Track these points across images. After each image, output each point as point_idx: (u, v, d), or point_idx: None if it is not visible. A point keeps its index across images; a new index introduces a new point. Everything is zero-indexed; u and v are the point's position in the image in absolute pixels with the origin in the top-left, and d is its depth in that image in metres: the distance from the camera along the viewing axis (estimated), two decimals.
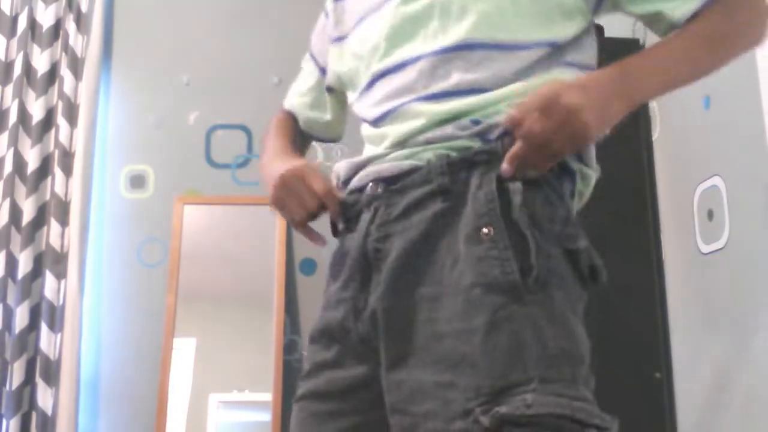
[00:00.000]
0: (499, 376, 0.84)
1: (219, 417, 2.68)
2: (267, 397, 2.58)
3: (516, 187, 0.90)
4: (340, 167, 1.08)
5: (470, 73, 0.97)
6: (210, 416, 2.67)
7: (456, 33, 0.99)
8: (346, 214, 1.03)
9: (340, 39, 1.17)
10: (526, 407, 0.81)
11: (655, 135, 2.36)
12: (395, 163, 0.97)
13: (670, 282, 2.20)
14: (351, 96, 1.14)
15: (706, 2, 0.97)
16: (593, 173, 1.00)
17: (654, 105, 2.37)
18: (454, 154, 0.94)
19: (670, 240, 2.21)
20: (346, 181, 1.05)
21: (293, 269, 2.74)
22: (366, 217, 0.98)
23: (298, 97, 1.29)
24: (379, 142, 1.03)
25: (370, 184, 0.99)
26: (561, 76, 0.98)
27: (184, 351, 2.68)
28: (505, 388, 0.83)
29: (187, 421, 2.64)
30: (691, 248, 2.08)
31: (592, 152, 1.00)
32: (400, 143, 0.99)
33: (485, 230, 0.88)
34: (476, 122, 0.95)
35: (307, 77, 1.29)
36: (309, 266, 2.74)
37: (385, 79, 1.04)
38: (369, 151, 1.05)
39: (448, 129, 0.95)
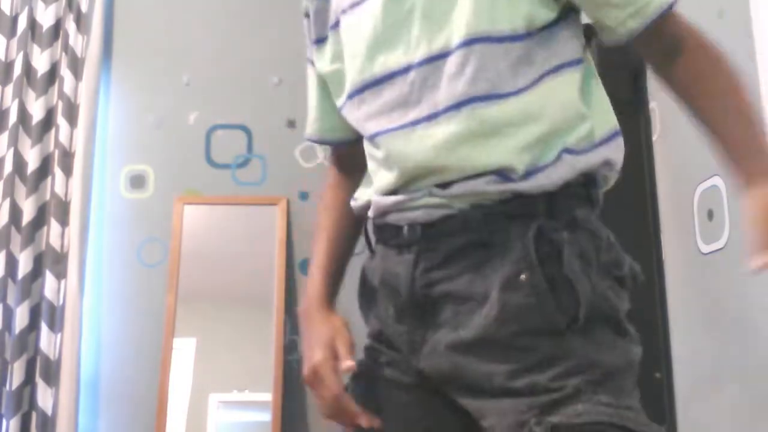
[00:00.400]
0: (552, 391, 0.87)
1: (219, 417, 2.69)
2: (267, 397, 2.58)
3: (562, 237, 0.90)
4: (363, 201, 1.05)
5: (461, 83, 0.93)
6: (210, 416, 2.67)
7: (441, 38, 0.95)
8: (384, 238, 1.03)
9: (320, 41, 1.12)
10: (577, 416, 0.85)
11: (655, 135, 2.36)
12: (427, 210, 0.96)
13: (670, 282, 2.20)
14: (338, 100, 1.10)
15: (653, 21, 0.93)
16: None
17: (654, 105, 2.37)
18: (488, 203, 0.93)
19: (670, 240, 2.21)
20: (378, 216, 1.03)
21: (293, 269, 2.74)
22: (408, 258, 0.97)
23: (314, 123, 1.18)
24: (388, 167, 0.99)
25: (406, 226, 0.98)
26: (554, 84, 0.95)
27: (184, 351, 2.68)
28: (558, 401, 0.86)
29: (187, 421, 2.64)
30: (691, 248, 2.08)
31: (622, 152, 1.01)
32: (423, 191, 0.96)
33: (522, 276, 0.89)
34: (502, 176, 0.92)
35: (312, 89, 1.19)
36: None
37: (373, 89, 1.00)
38: (381, 176, 1.01)
39: (478, 184, 0.93)
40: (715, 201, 1.99)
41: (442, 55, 0.94)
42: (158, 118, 2.85)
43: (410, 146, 0.95)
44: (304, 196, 2.77)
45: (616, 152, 0.98)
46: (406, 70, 0.96)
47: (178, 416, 2.62)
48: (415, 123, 0.95)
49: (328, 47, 1.09)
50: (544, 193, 0.92)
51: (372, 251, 1.06)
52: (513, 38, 0.93)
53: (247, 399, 2.68)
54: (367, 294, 1.07)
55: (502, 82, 0.93)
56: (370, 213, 1.03)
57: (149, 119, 2.85)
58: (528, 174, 0.91)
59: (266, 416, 2.56)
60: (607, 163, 0.97)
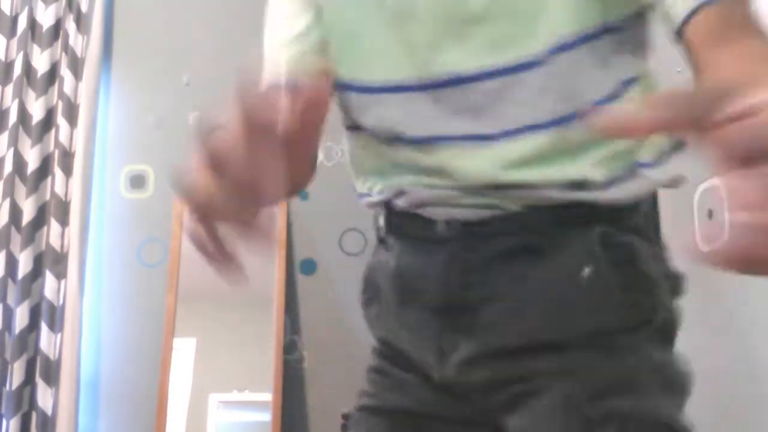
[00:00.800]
0: (613, 376, 0.79)
1: (219, 417, 2.68)
2: (267, 397, 2.58)
3: (632, 240, 0.82)
4: (389, 192, 0.89)
5: (547, 99, 0.80)
6: (210, 416, 2.67)
7: (525, 43, 0.79)
8: (407, 229, 0.89)
9: None
10: (647, 408, 0.77)
11: None
12: (475, 210, 0.84)
13: None
14: (345, 71, 0.88)
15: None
16: None
17: None
18: (545, 206, 0.82)
19: (669, 240, 2.21)
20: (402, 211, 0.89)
21: (293, 269, 2.74)
22: (442, 257, 0.85)
23: (288, 48, 0.91)
24: (436, 175, 0.85)
25: (443, 221, 0.85)
26: (631, 97, 0.83)
27: (184, 351, 2.68)
28: (619, 386, 0.78)
29: (187, 421, 2.64)
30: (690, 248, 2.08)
31: None
32: (474, 190, 0.83)
33: (586, 271, 0.80)
34: (575, 187, 0.81)
35: (291, 20, 0.92)
36: (309, 266, 2.74)
37: (431, 91, 0.83)
38: (421, 179, 0.86)
39: (545, 192, 0.82)
40: (715, 201, 1.99)
41: (525, 65, 0.80)
42: (158, 118, 2.85)
43: (477, 162, 0.82)
44: (304, 196, 2.77)
45: (682, 164, 0.89)
46: (479, 76, 0.81)
47: (178, 416, 2.62)
48: (487, 138, 0.82)
49: (340, 4, 0.88)
50: (612, 205, 0.83)
51: (383, 243, 0.93)
52: (593, 37, 0.80)
53: (247, 399, 2.68)
54: (373, 296, 0.94)
55: (585, 95, 0.81)
56: (401, 202, 0.88)
57: (149, 119, 2.85)
58: (603, 186, 0.82)
59: (266, 416, 2.56)
60: (676, 179, 0.89)
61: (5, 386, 2.53)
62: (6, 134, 2.72)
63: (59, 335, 2.58)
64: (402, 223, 0.90)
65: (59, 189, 2.68)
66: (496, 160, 0.82)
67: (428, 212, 0.87)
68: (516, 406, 0.82)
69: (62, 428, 2.51)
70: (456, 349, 0.85)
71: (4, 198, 2.67)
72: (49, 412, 2.53)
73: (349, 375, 2.57)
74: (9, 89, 2.77)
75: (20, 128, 2.72)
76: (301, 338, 2.69)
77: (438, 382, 0.87)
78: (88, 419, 2.63)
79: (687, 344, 2.16)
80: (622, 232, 0.82)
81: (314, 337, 2.68)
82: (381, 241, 0.94)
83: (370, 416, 0.92)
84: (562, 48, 0.79)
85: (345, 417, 0.93)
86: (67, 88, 2.75)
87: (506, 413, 0.83)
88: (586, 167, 0.81)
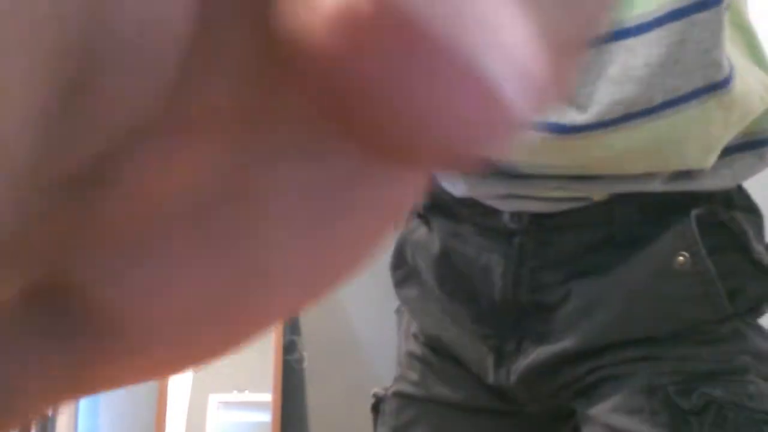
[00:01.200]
0: (709, 361, 0.69)
1: (219, 417, 2.68)
2: (267, 397, 2.58)
3: (736, 217, 0.71)
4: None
5: (670, 76, 0.64)
6: (210, 416, 2.67)
7: (636, 7, 0.64)
8: (458, 210, 0.77)
9: None
10: (748, 397, 0.66)
11: None
12: (548, 203, 0.72)
13: None
14: None
15: None
16: None
17: None
18: (630, 194, 0.71)
19: None
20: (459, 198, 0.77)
21: None
22: (508, 250, 0.74)
23: None
24: (507, 165, 0.71)
25: (506, 213, 0.74)
26: (742, 66, 0.70)
27: None
28: (717, 372, 0.68)
29: (187, 421, 2.64)
30: None
31: None
32: (555, 182, 0.71)
33: (680, 259, 0.69)
34: (680, 176, 0.70)
35: None
36: None
37: None
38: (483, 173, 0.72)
39: (641, 185, 0.70)
40: None
41: (634, 30, 0.64)
42: None
43: (566, 155, 0.68)
44: None
45: None
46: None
47: (178, 416, 2.62)
48: (582, 128, 0.67)
49: None
50: (717, 188, 0.72)
51: (421, 218, 0.81)
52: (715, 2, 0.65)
53: (247, 399, 2.68)
54: (410, 275, 0.83)
55: (702, 69, 0.66)
56: (455, 190, 0.77)
57: None
58: (711, 173, 0.71)
59: (266, 416, 2.56)
60: None
61: None
62: None
63: None
64: (451, 205, 0.78)
65: None
66: (589, 154, 0.68)
67: (491, 202, 0.75)
68: (590, 394, 0.72)
69: (62, 428, 2.51)
70: (521, 353, 0.75)
71: None
72: (49, 412, 2.53)
73: (349, 375, 2.57)
74: None
75: None
76: (301, 338, 2.69)
77: (491, 384, 0.78)
78: (88, 419, 2.63)
79: None
80: (723, 209, 0.72)
81: (314, 337, 2.68)
82: (418, 214, 0.82)
83: (412, 405, 0.82)
84: (677, 15, 0.64)
85: (377, 397, 0.85)
86: None
87: (577, 400, 0.74)
88: (698, 156, 0.69)
